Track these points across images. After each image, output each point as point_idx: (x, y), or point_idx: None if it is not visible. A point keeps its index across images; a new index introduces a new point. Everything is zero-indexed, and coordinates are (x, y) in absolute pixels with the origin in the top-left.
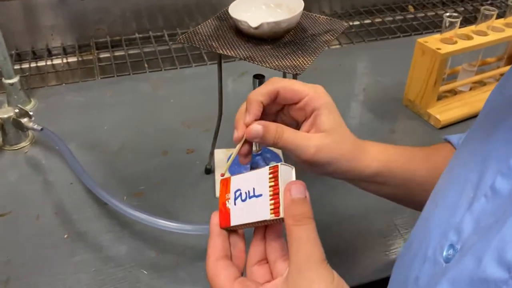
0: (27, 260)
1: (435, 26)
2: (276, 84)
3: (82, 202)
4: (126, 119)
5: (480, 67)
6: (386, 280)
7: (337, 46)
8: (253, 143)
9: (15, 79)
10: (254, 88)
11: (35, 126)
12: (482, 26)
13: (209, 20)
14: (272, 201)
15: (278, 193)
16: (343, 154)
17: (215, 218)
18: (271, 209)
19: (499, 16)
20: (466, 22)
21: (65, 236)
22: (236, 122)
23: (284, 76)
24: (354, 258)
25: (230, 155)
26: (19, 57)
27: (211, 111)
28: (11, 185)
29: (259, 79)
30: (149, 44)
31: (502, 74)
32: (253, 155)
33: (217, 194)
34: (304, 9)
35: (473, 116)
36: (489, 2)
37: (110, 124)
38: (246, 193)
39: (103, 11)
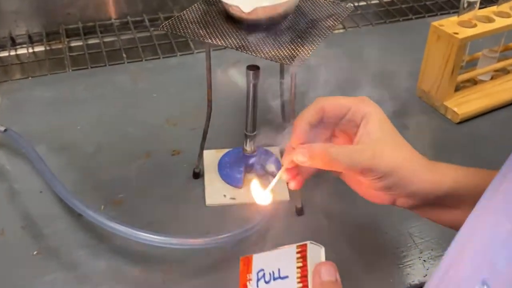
0: None
1: (452, 6)
2: (320, 101)
3: (54, 213)
4: (102, 117)
5: (503, 53)
6: None
7: (341, 31)
8: (248, 143)
9: None
10: (247, 81)
11: None
12: (504, 7)
13: (195, 4)
14: (300, 284)
15: (306, 275)
16: (402, 163)
17: None
18: None
19: None
20: (486, 2)
21: (35, 252)
22: (293, 126)
23: (282, 68)
24: (364, 270)
25: (273, 180)
26: None
27: (199, 106)
28: None
29: (254, 70)
30: (127, 31)
31: None
32: (248, 156)
33: (208, 201)
34: None
35: (495, 109)
36: None
37: (84, 122)
38: (270, 274)
39: None
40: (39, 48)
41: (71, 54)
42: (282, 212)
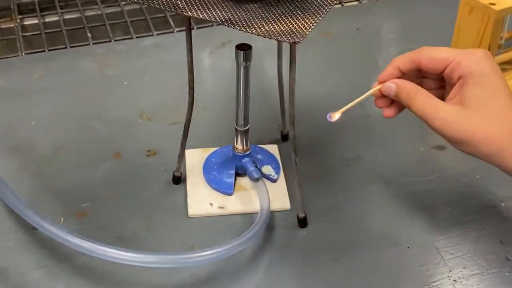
0: None
1: None
2: (420, 53)
3: (3, 227)
4: (63, 110)
5: None
6: None
7: (354, 3)
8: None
9: None
10: (238, 64)
11: None
12: None
13: None
14: None
15: None
16: (483, 138)
17: None
18: None
19: None
20: None
21: None
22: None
23: (280, 46)
24: None
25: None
26: None
27: (180, 97)
28: None
29: (245, 50)
30: (92, 6)
31: None
32: (240, 155)
33: (191, 211)
34: None
35: None
36: None
37: (41, 117)
38: None
39: None
40: None
41: (24, 34)
42: (282, 223)
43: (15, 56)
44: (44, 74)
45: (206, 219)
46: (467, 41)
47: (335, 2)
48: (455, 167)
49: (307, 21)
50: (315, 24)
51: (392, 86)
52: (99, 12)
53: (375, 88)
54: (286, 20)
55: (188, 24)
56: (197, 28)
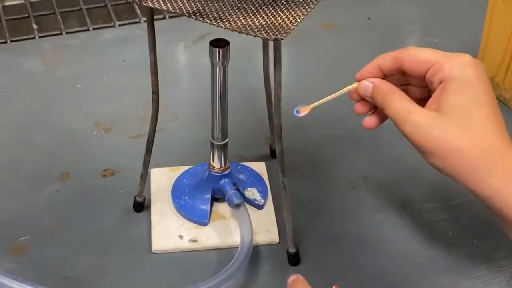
0: None
1: None
2: (404, 52)
3: None
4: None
5: None
6: None
7: None
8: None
9: None
10: (213, 63)
11: None
12: None
13: None
14: None
15: None
16: (455, 151)
17: None
18: None
19: None
20: None
21: None
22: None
23: (265, 41)
24: None
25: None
26: None
27: (145, 103)
28: None
29: (221, 47)
30: None
31: None
32: (217, 176)
33: (155, 246)
34: None
35: None
36: None
37: None
38: None
39: None
40: None
41: None
42: (268, 260)
43: None
44: None
45: (175, 255)
46: (502, 34)
47: None
48: None
49: (292, 13)
50: (302, 17)
51: (369, 85)
52: None
53: (352, 85)
54: (267, 11)
55: (150, 16)
56: (170, 17)
